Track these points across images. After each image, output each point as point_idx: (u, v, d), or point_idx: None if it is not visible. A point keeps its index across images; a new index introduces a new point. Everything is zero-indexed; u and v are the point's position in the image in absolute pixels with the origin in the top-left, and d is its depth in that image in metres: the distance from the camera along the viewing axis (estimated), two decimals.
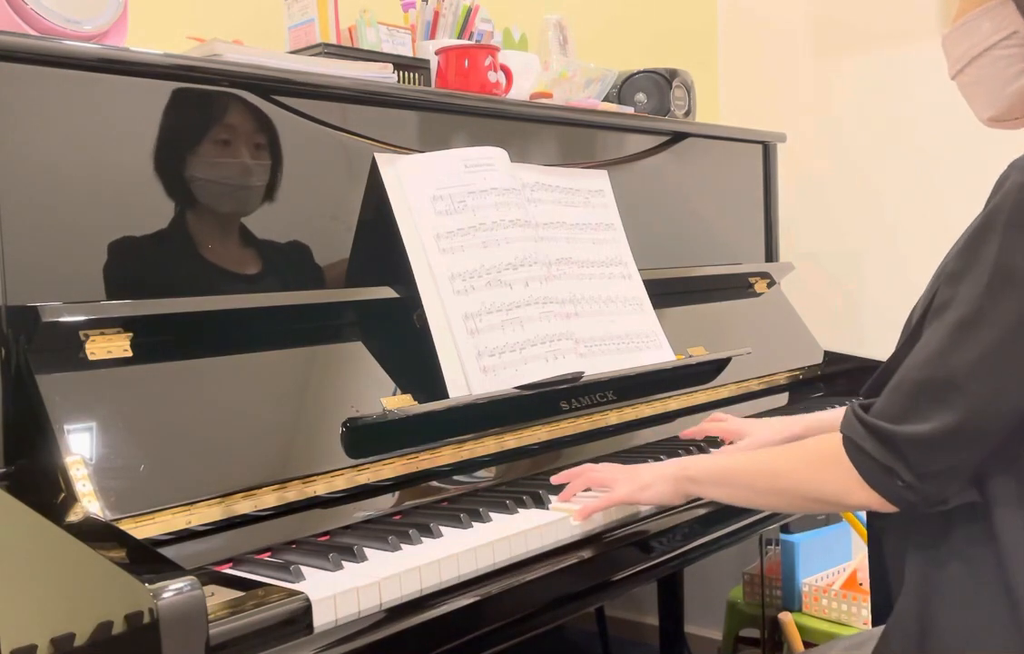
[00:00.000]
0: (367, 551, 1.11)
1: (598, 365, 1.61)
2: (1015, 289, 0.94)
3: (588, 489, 1.33)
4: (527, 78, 1.90)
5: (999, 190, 0.97)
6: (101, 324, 1.16)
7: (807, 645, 2.11)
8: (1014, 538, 0.98)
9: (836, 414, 1.49)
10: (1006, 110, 1.08)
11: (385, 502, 1.31)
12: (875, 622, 1.19)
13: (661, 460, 1.36)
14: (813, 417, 1.55)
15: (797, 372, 2.06)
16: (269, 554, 1.13)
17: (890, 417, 0.99)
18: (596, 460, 1.53)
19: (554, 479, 1.35)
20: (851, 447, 1.02)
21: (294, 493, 1.21)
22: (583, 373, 1.55)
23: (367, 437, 1.32)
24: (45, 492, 1.07)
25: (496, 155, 1.60)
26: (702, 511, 1.45)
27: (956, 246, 1.03)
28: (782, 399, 2.00)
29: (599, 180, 1.81)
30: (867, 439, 1.00)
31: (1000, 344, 0.94)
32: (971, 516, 1.00)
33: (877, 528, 1.15)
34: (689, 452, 1.55)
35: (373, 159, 1.50)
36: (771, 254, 2.33)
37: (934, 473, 0.97)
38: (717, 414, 1.61)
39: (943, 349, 0.97)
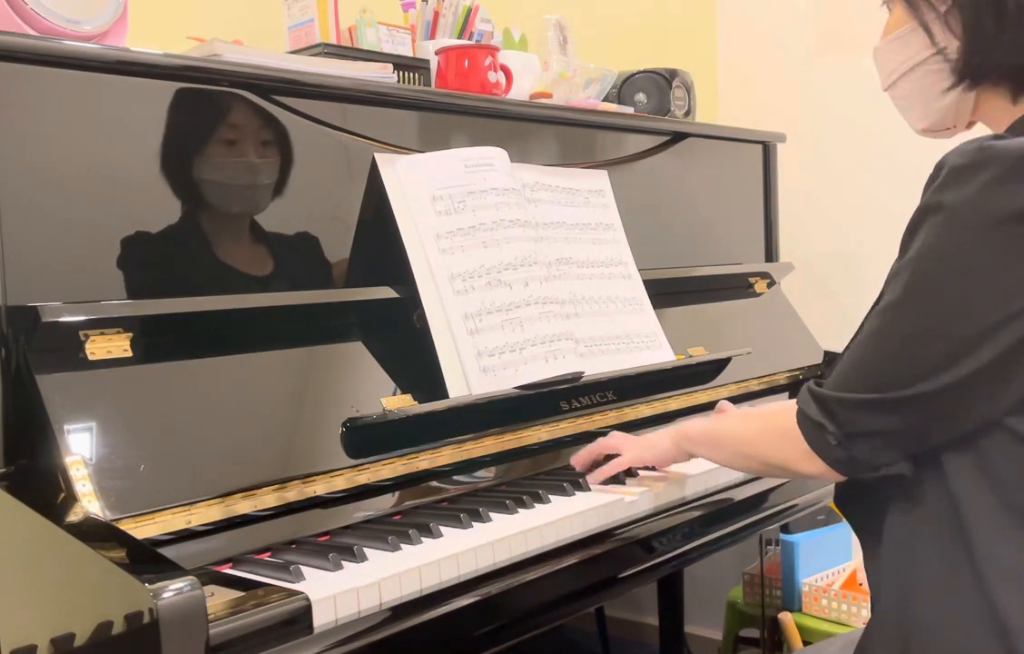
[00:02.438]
0: (367, 551, 1.11)
1: (598, 365, 1.61)
2: (938, 273, 1.00)
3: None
4: (527, 78, 1.90)
5: (933, 183, 1.02)
6: (101, 324, 1.16)
7: (807, 645, 2.11)
8: (978, 524, 1.01)
9: None
10: (938, 122, 1.15)
11: (385, 502, 1.31)
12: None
13: None
14: None
15: (797, 372, 2.06)
16: (269, 554, 1.13)
17: (828, 385, 1.09)
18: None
19: (573, 460, 1.47)
20: (798, 412, 1.12)
21: (294, 493, 1.21)
22: (583, 373, 1.55)
23: (367, 437, 1.32)
24: (45, 492, 1.07)
25: (496, 155, 1.60)
26: (702, 511, 1.46)
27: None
28: (782, 399, 2.00)
29: (599, 180, 1.81)
30: (808, 402, 1.10)
31: (916, 333, 1.01)
32: (939, 508, 1.04)
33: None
34: None
35: (373, 159, 1.50)
36: (771, 254, 2.33)
37: (859, 434, 1.05)
38: (722, 404, 1.64)
39: (876, 327, 1.06)
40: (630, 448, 1.43)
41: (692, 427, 1.37)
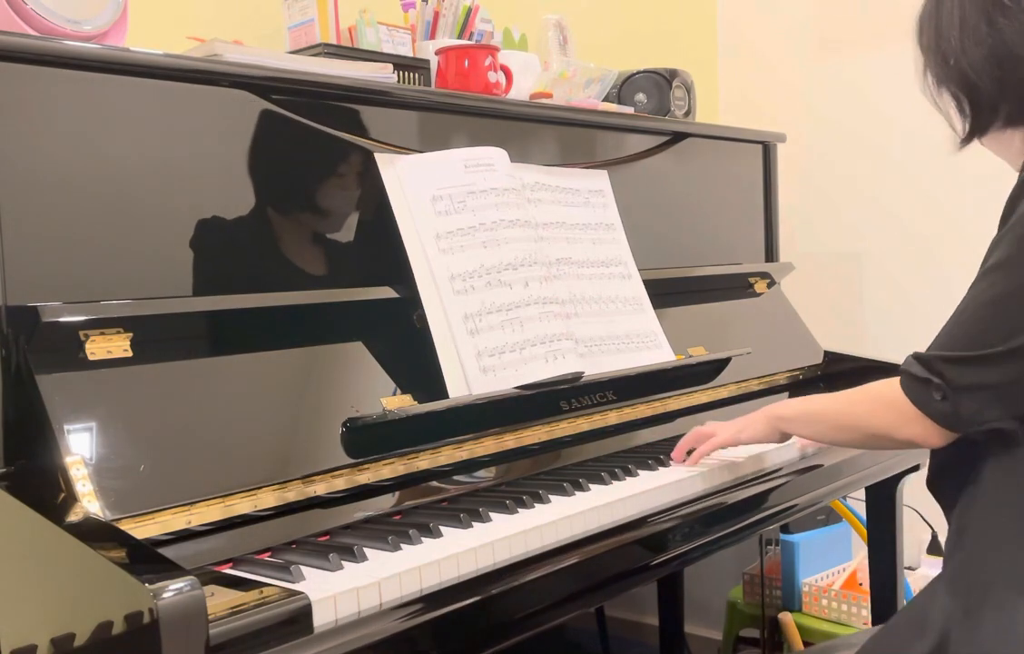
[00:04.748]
0: (367, 551, 1.11)
1: (598, 365, 1.61)
2: None
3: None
4: (527, 78, 1.90)
5: None
6: (101, 324, 1.16)
7: (807, 645, 2.11)
8: None
9: None
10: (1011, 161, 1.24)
11: (385, 502, 1.31)
12: (875, 622, 1.22)
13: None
14: None
15: (797, 372, 2.06)
16: (269, 554, 1.13)
17: (934, 346, 1.16)
18: (596, 461, 1.54)
19: (673, 455, 1.53)
20: (903, 374, 1.18)
21: (294, 493, 1.21)
22: (583, 373, 1.55)
23: (367, 437, 1.32)
24: (45, 492, 1.07)
25: (496, 155, 1.60)
26: (702, 511, 1.45)
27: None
28: (782, 399, 2.00)
29: (599, 180, 1.81)
30: (913, 363, 1.17)
31: (1015, 283, 1.09)
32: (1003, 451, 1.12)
33: (877, 534, 1.23)
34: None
35: (373, 159, 1.50)
36: (771, 254, 2.33)
37: (966, 387, 1.12)
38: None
39: (976, 291, 1.13)
40: (723, 430, 1.48)
41: (786, 406, 1.44)
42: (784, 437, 1.48)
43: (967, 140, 1.24)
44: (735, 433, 1.48)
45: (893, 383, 1.20)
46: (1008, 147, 1.22)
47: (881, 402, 1.22)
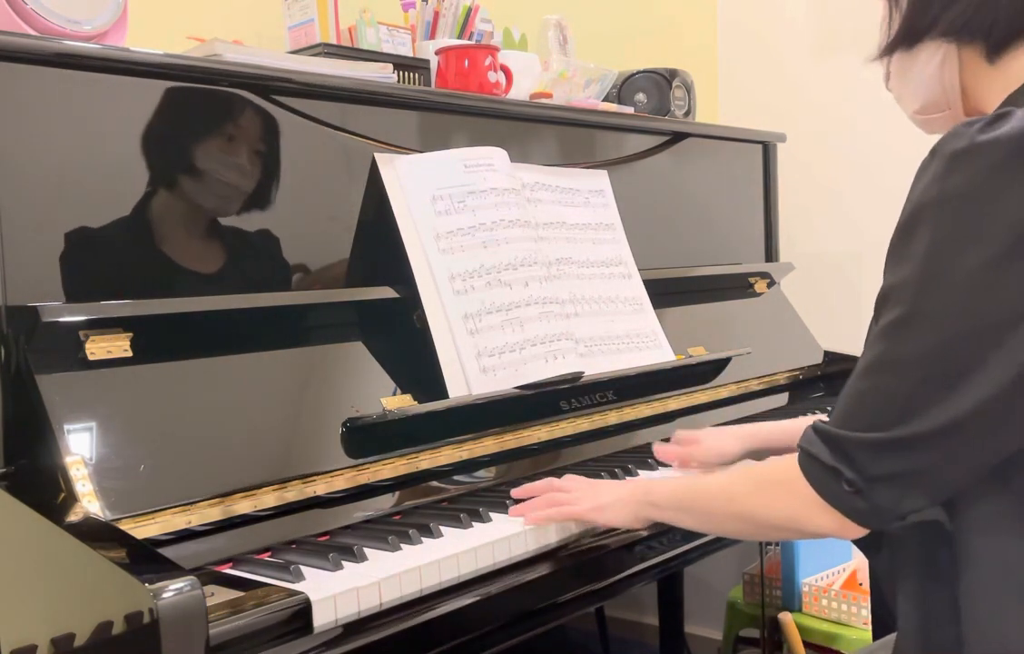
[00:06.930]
0: (367, 551, 1.11)
1: (598, 365, 1.61)
2: (945, 288, 0.89)
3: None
4: (527, 78, 1.90)
5: (923, 175, 0.93)
6: (101, 324, 1.16)
7: (807, 645, 2.11)
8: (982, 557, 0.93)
9: (797, 423, 1.44)
10: (928, 100, 1.06)
11: (385, 502, 1.31)
12: (875, 628, 1.17)
13: (624, 476, 1.37)
14: (775, 424, 1.49)
15: (797, 372, 2.06)
16: (269, 554, 1.13)
17: (838, 422, 0.96)
18: (596, 461, 1.54)
19: (515, 492, 1.29)
20: (803, 456, 0.99)
21: (294, 493, 1.21)
22: (583, 373, 1.55)
23: (367, 437, 1.32)
24: (45, 492, 1.07)
25: (496, 155, 1.60)
26: None
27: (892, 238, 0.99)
28: (782, 399, 2.00)
29: (599, 180, 1.81)
30: (816, 443, 0.97)
31: (935, 347, 0.90)
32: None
33: (878, 533, 1.11)
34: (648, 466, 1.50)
35: (373, 159, 1.50)
36: (771, 254, 2.33)
37: (881, 477, 0.92)
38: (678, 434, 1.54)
39: (880, 354, 0.94)
40: (582, 501, 1.24)
41: (659, 490, 1.19)
42: (651, 524, 1.23)
43: (888, 50, 1.05)
44: (592, 509, 1.23)
45: (787, 461, 1.00)
46: (920, 73, 1.04)
47: (776, 485, 1.02)
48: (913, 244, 0.92)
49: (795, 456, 1.00)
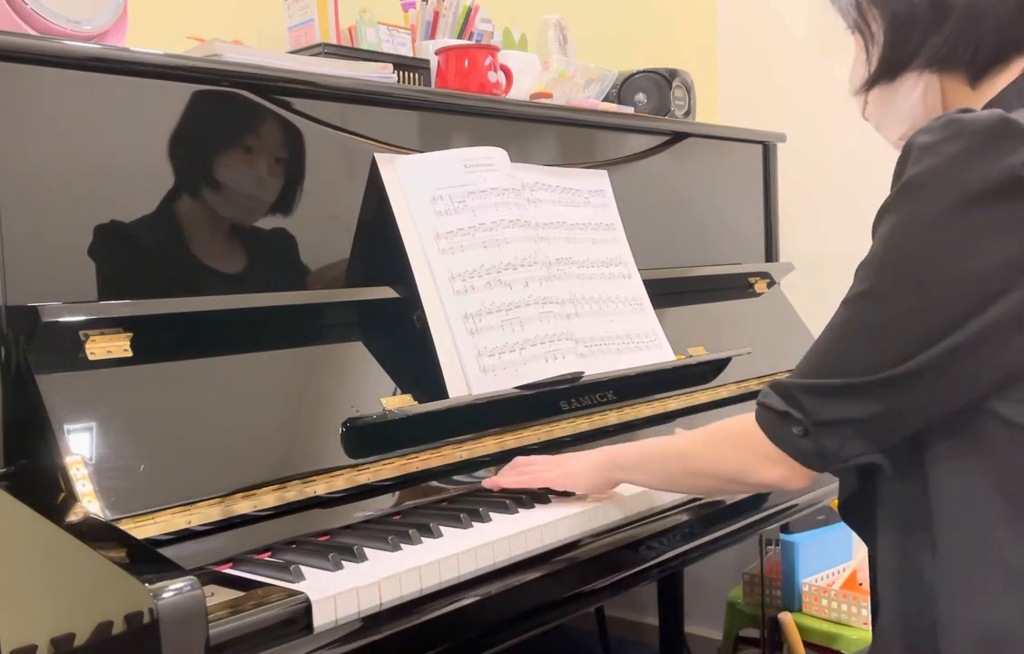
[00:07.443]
0: (367, 551, 1.11)
1: (598, 365, 1.61)
2: (909, 254, 0.96)
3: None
4: (527, 78, 1.90)
5: (903, 166, 0.97)
6: (101, 324, 1.16)
7: (807, 645, 2.11)
8: (976, 519, 0.97)
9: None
10: (911, 125, 1.10)
11: (385, 502, 1.31)
12: (875, 622, 1.19)
13: None
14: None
15: None
16: (269, 554, 1.13)
17: (793, 375, 1.04)
18: None
19: (485, 482, 1.37)
20: (759, 408, 1.06)
21: (294, 493, 1.21)
22: (583, 373, 1.55)
23: (367, 437, 1.32)
24: (45, 492, 1.07)
25: (496, 155, 1.60)
26: (702, 511, 1.46)
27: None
28: None
29: (599, 180, 1.81)
30: (769, 395, 1.05)
31: (882, 316, 0.98)
32: (939, 507, 0.99)
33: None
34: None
35: (373, 159, 1.50)
36: (771, 254, 2.33)
37: (827, 422, 1.00)
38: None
39: (840, 318, 1.02)
40: (551, 469, 1.33)
41: (623, 451, 1.27)
42: (617, 484, 1.31)
43: (869, 86, 1.11)
44: (563, 476, 1.31)
45: (747, 419, 1.07)
46: (902, 103, 1.09)
47: (733, 441, 1.09)
48: (880, 227, 0.99)
49: (751, 413, 1.08)
